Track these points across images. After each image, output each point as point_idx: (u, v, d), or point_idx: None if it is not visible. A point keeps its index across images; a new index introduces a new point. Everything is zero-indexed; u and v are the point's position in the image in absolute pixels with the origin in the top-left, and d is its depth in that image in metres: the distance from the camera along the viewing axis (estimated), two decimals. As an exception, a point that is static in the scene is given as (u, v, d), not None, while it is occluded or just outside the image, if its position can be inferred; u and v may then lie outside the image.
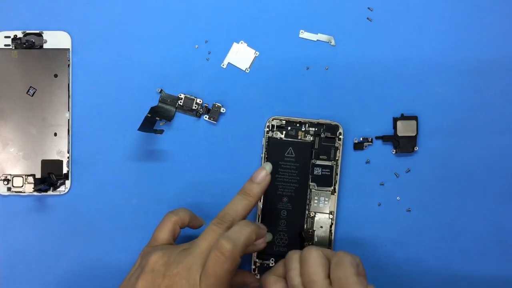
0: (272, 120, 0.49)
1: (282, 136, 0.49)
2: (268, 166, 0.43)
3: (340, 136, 0.48)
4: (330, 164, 0.48)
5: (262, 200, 0.48)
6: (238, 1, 0.50)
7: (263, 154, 0.48)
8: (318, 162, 0.48)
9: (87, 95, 0.50)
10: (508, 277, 0.49)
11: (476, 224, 0.49)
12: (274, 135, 0.48)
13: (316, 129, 0.49)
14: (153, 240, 0.43)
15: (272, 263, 0.48)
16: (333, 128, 0.48)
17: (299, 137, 0.49)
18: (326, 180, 0.48)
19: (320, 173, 0.48)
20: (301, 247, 0.48)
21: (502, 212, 0.49)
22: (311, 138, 0.48)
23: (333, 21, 0.50)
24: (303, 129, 0.49)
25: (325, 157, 0.48)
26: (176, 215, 0.44)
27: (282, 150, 0.48)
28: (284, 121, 0.49)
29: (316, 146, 0.48)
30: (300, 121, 0.48)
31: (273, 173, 0.48)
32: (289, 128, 0.49)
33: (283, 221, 0.48)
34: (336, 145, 0.48)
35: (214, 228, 0.40)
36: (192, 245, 0.40)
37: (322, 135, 0.48)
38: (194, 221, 0.45)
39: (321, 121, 0.48)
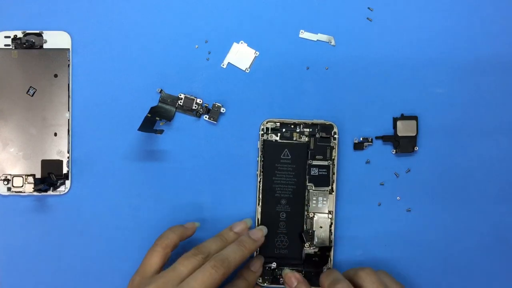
0: (266, 123, 0.48)
1: (277, 138, 0.48)
2: (265, 229, 0.47)
3: (335, 136, 0.48)
4: (327, 164, 0.48)
5: (260, 204, 0.48)
6: (238, 1, 0.50)
7: (259, 158, 0.48)
8: (315, 162, 0.48)
9: (87, 95, 0.50)
10: (508, 277, 0.49)
11: (476, 224, 0.49)
12: (269, 138, 0.48)
13: (310, 129, 0.48)
14: (143, 269, 0.42)
15: (274, 266, 0.48)
16: (327, 128, 0.48)
17: (294, 139, 0.48)
18: (323, 180, 0.48)
19: (317, 173, 0.48)
20: (301, 248, 0.48)
21: (502, 212, 0.49)
22: (306, 139, 0.48)
23: (333, 21, 0.50)
24: (297, 130, 0.49)
25: (321, 157, 0.48)
26: (167, 239, 0.43)
27: (277, 152, 0.48)
28: (278, 123, 0.48)
29: (312, 146, 0.48)
30: (294, 123, 0.48)
31: (270, 175, 0.48)
32: (283, 130, 0.49)
33: (282, 223, 0.48)
34: (332, 144, 0.48)
35: (212, 272, 0.40)
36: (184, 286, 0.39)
37: (317, 135, 0.48)
38: (186, 234, 0.45)
39: (316, 121, 0.48)
